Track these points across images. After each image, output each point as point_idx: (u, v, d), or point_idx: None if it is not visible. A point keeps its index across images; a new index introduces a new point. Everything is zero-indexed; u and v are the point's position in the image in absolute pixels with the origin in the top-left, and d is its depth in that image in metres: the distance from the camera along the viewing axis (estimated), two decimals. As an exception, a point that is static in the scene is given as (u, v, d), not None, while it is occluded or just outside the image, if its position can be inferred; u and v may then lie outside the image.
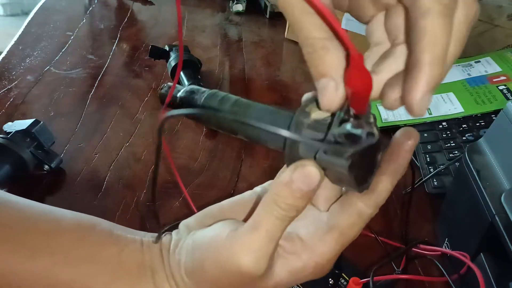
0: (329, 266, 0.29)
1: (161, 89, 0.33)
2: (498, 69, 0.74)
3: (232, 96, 0.30)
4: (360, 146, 0.24)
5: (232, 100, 0.30)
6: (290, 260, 0.29)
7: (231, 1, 1.13)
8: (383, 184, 0.28)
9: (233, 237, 0.28)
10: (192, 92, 0.32)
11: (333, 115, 0.26)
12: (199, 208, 0.34)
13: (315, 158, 0.26)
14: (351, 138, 0.24)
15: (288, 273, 0.29)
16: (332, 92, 0.23)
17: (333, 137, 0.25)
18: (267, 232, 0.27)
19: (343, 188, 0.30)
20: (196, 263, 0.29)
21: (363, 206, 0.28)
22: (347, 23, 0.87)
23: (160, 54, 0.81)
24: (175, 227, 0.34)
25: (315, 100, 0.26)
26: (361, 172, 0.26)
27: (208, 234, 0.29)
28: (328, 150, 0.25)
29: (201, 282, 0.29)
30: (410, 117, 0.71)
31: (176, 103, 0.32)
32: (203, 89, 0.32)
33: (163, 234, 0.32)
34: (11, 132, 0.56)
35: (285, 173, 0.26)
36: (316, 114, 0.26)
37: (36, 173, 0.58)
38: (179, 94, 0.32)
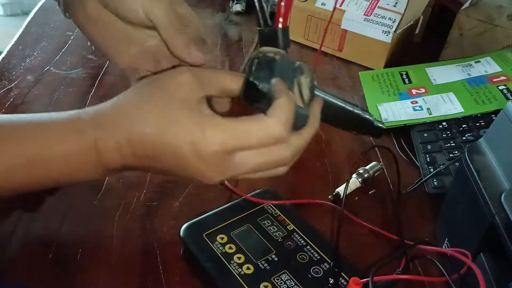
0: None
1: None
2: (498, 69, 0.74)
3: None
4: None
5: None
6: None
7: (231, 1, 1.13)
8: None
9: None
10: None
11: None
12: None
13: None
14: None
15: None
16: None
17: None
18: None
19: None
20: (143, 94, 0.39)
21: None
22: (347, 23, 0.87)
23: (160, 54, 0.81)
24: None
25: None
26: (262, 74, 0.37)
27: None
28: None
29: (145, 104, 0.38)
30: (410, 117, 0.71)
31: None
32: None
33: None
34: (11, 132, 0.56)
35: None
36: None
37: (36, 173, 0.58)
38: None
